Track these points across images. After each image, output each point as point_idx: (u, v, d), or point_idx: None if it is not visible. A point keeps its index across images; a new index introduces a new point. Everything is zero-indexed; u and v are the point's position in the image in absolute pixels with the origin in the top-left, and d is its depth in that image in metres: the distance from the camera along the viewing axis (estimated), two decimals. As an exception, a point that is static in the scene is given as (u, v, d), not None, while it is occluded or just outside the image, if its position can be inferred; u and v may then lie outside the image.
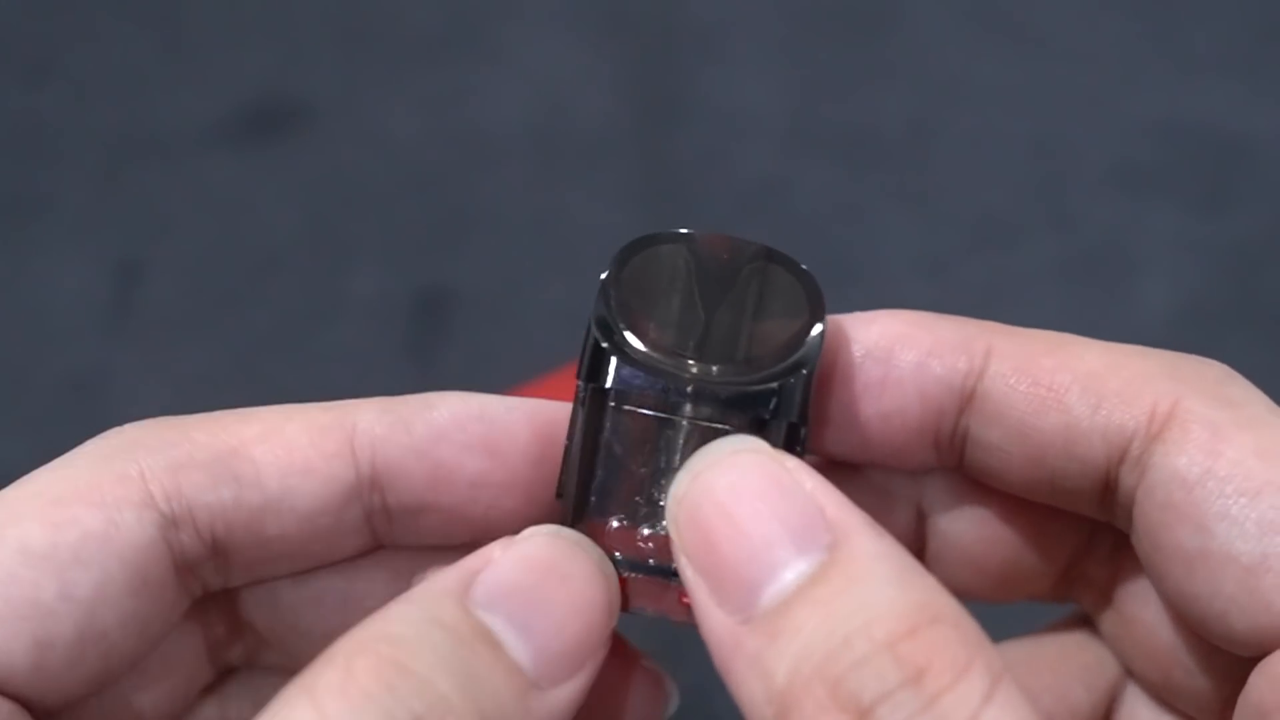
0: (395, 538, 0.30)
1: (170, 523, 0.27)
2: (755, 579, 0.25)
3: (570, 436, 0.29)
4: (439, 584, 0.26)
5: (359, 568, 0.30)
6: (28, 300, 0.59)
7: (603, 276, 0.29)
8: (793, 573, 0.25)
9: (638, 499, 0.28)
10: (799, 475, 0.26)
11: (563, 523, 0.28)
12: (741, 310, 0.29)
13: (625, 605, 0.28)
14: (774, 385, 0.28)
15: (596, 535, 0.28)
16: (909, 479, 0.32)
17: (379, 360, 0.57)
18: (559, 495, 0.29)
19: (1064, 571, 0.32)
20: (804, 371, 0.28)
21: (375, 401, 0.29)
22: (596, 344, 0.28)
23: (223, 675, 0.31)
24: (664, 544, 0.28)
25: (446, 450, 0.29)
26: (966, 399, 0.30)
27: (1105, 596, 0.32)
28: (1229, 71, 0.65)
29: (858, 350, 0.30)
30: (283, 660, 0.31)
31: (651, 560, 0.28)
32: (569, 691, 0.26)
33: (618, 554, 0.28)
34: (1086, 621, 0.33)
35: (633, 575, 0.28)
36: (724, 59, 0.66)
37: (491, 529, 0.29)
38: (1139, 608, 0.31)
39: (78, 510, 0.27)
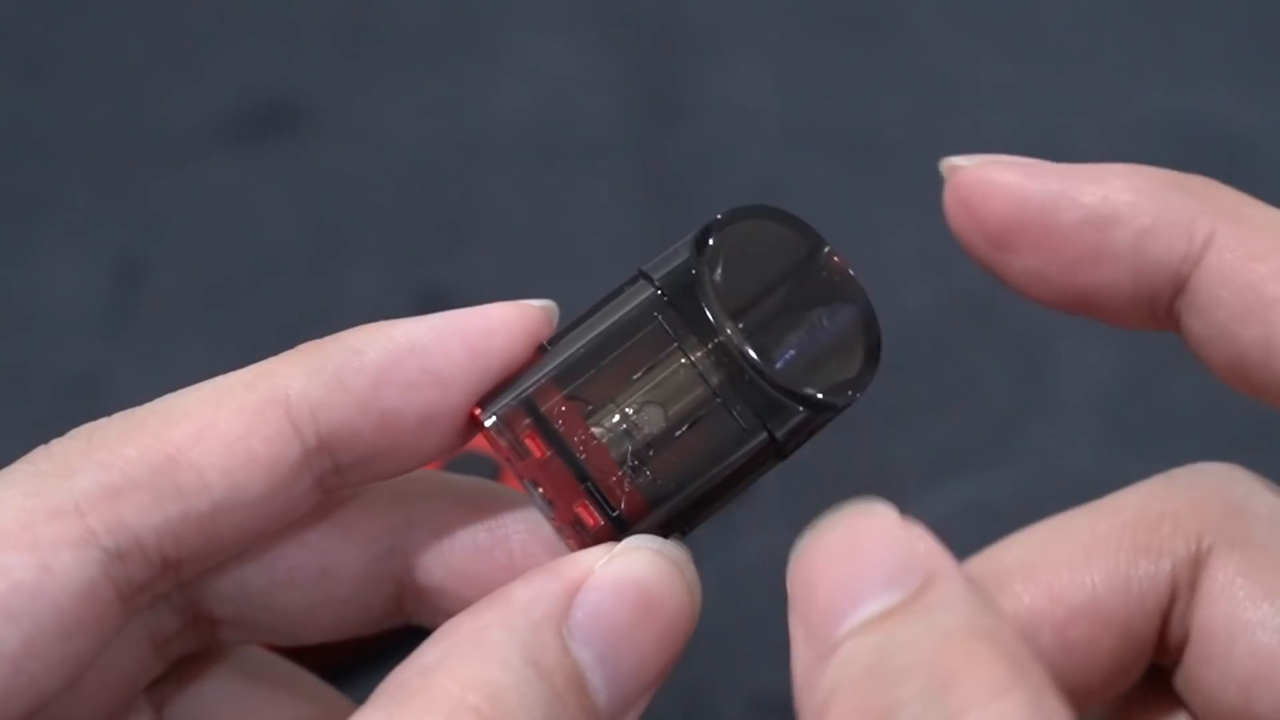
0: (345, 484, 0.29)
1: (115, 557, 0.26)
2: (837, 618, 0.24)
3: (603, 303, 0.29)
4: (540, 605, 0.25)
5: (324, 537, 0.29)
6: (28, 300, 0.59)
7: (732, 210, 0.29)
8: (873, 606, 0.24)
9: (609, 398, 0.29)
10: (914, 536, 0.24)
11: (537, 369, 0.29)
12: (812, 330, 0.29)
13: (524, 473, 0.28)
14: (783, 399, 0.28)
15: (550, 395, 0.28)
16: None
17: (379, 360, 0.57)
18: (547, 345, 0.29)
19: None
20: (810, 412, 0.28)
21: (297, 359, 0.28)
22: (684, 262, 0.29)
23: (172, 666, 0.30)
24: (599, 451, 0.28)
25: (389, 395, 0.28)
26: (1181, 283, 0.29)
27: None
28: (1229, 71, 0.65)
29: (1078, 212, 0.29)
30: (249, 636, 0.30)
31: (579, 454, 0.28)
32: None
33: (557, 425, 0.28)
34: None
35: (551, 453, 0.28)
36: (724, 59, 0.66)
37: (446, 454, 0.29)
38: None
39: (7, 558, 0.25)
